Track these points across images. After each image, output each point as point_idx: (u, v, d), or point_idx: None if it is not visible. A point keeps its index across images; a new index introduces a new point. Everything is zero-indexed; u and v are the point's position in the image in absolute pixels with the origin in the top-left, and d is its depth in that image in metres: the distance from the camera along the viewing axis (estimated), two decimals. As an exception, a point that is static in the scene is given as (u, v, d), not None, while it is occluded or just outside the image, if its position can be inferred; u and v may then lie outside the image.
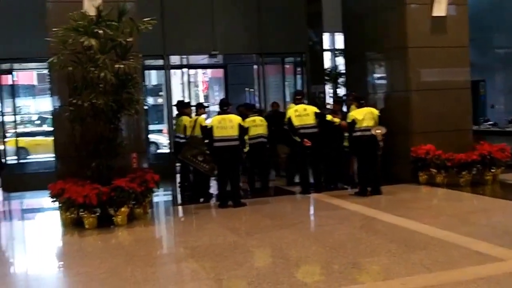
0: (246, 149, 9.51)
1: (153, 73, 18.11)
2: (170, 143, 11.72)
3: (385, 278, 5.41)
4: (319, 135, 9.95)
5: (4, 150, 13.46)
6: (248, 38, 14.08)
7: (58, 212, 8.61)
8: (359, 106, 9.80)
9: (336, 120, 10.22)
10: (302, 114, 9.96)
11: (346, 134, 9.92)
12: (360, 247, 6.54)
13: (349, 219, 8.05)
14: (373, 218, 7.97)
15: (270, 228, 7.77)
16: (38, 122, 19.33)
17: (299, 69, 15.51)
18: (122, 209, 8.06)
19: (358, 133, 9.56)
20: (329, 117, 10.28)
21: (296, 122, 9.92)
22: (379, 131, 9.52)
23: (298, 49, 14.67)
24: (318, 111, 10.19)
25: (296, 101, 10.35)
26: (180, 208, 10.10)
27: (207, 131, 9.46)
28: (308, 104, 11.06)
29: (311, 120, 9.95)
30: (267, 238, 7.18)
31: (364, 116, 9.56)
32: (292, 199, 10.18)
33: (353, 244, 6.70)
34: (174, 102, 12.72)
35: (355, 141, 9.67)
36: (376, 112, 9.75)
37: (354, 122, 9.56)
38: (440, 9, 10.79)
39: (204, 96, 23.11)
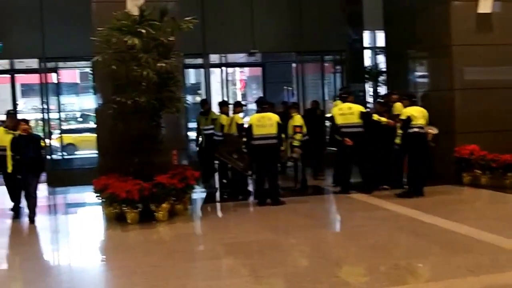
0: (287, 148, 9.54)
1: (191, 71, 18.27)
2: (197, 141, 11.75)
3: (428, 280, 5.34)
4: (364, 135, 9.74)
5: (50, 146, 13.77)
6: (287, 36, 14.03)
7: (101, 207, 8.78)
8: (411, 104, 9.63)
9: (383, 119, 10.03)
10: (346, 113, 9.81)
11: (400, 132, 9.52)
12: (401, 248, 6.46)
13: (390, 220, 7.94)
14: (415, 219, 7.84)
15: (309, 227, 7.75)
16: (81, 119, 19.76)
17: (338, 67, 15.40)
18: (163, 205, 8.17)
19: (415, 129, 9.33)
20: (375, 116, 10.05)
21: (339, 120, 9.79)
22: (431, 131, 9.41)
23: (338, 47, 14.55)
24: (364, 110, 10.01)
25: (342, 99, 10.25)
26: (219, 205, 10.17)
27: (245, 129, 9.49)
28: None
29: (355, 119, 9.75)
30: (305, 237, 7.17)
31: (417, 113, 9.42)
32: (331, 199, 10.13)
33: (394, 245, 6.62)
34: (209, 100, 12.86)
35: (410, 138, 9.37)
36: (426, 111, 9.57)
37: (409, 119, 9.34)
38: (485, 6, 10.56)
39: (242, 94, 23.19)
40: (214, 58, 14.69)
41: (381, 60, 16.28)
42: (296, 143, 9.83)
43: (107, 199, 8.32)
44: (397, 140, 9.56)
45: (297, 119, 10.12)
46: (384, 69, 14.79)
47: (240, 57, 15.64)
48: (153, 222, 8.14)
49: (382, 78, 15.79)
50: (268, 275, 5.59)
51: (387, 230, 7.37)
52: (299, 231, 7.46)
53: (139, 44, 8.05)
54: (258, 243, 7.02)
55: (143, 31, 8.14)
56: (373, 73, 16.25)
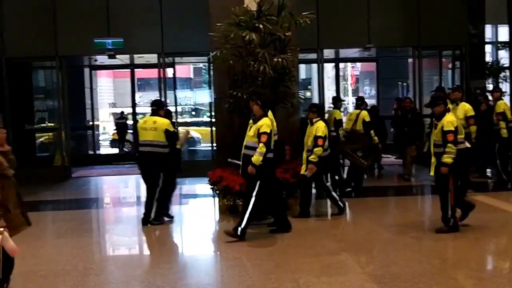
0: None
1: (301, 66, 18.28)
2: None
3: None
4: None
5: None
6: (404, 30, 13.66)
7: (215, 199, 9.03)
8: None
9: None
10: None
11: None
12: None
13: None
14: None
15: (426, 226, 7.50)
16: (194, 113, 20.43)
17: (457, 63, 14.75)
18: (276, 198, 8.24)
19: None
20: None
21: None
22: None
23: (457, 41, 13.93)
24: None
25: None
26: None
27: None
28: (465, 101, 10.44)
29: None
30: (421, 237, 6.95)
31: None
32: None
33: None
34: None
35: None
36: None
37: None
38: None
39: (353, 89, 22.90)
40: (326, 53, 14.59)
41: (504, 55, 15.39)
42: (313, 158, 7.95)
43: (221, 191, 8.55)
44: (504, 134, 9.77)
45: (321, 128, 8.06)
46: (507, 65, 13.96)
47: (354, 52, 15.42)
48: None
49: (503, 74, 14.95)
50: (382, 273, 5.49)
51: (510, 234, 6.97)
52: (415, 231, 7.24)
53: (256, 39, 8.17)
54: (371, 240, 6.92)
55: (261, 26, 8.25)
56: (494, 69, 15.39)
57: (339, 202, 8.28)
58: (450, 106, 8.67)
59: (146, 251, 7.32)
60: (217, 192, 8.72)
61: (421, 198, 9.67)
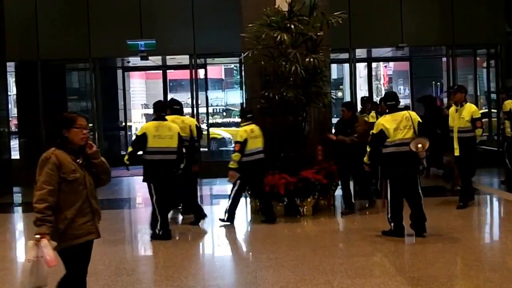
0: None
1: (333, 66, 18.15)
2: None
3: None
4: None
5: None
6: (438, 29, 13.45)
7: (246, 199, 9.02)
8: None
9: None
10: None
11: None
12: None
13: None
14: None
15: (465, 228, 7.41)
16: (225, 113, 20.46)
17: (492, 61, 14.44)
18: (308, 199, 8.20)
19: None
20: None
21: None
22: None
23: (493, 40, 13.65)
24: None
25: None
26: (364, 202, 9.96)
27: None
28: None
29: None
30: (460, 239, 6.81)
31: None
32: (487, 200, 9.51)
33: None
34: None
35: None
36: None
37: None
38: None
39: (385, 89, 22.61)
40: (359, 52, 14.46)
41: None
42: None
43: (253, 192, 8.53)
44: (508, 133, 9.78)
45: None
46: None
47: (386, 52, 15.24)
48: (298, 216, 8.22)
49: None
50: (419, 276, 5.39)
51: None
52: (453, 232, 7.10)
53: (288, 39, 8.14)
54: (408, 243, 6.79)
55: (292, 26, 8.21)
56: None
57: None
58: (453, 108, 8.52)
59: (178, 251, 7.32)
60: (249, 192, 8.71)
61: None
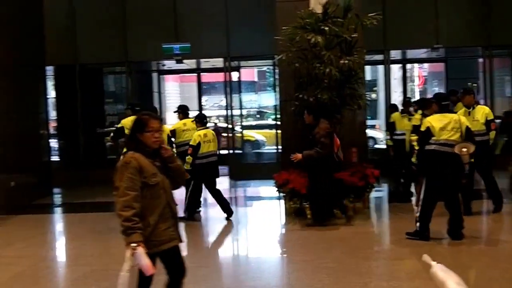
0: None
1: (367, 68, 17.98)
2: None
3: None
4: None
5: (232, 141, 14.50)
6: (473, 29, 13.23)
7: (281, 201, 9.05)
8: None
9: None
10: None
11: None
12: None
13: None
14: None
15: (501, 231, 7.25)
16: (258, 116, 20.52)
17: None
18: (344, 202, 8.18)
19: None
20: None
21: None
22: None
23: (531, 40, 13.37)
24: None
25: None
26: (399, 205, 9.86)
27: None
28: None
29: None
30: (497, 241, 6.71)
31: None
32: None
33: None
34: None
35: None
36: None
37: None
38: None
39: (420, 91, 22.32)
40: (393, 53, 14.36)
41: None
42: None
43: (288, 194, 8.55)
44: None
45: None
46: None
47: (421, 53, 15.08)
48: (332, 219, 8.20)
49: None
50: (455, 280, 5.33)
51: None
52: (488, 235, 7.01)
53: (322, 41, 8.13)
54: (442, 246, 6.73)
55: (326, 28, 8.21)
56: None
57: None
58: (462, 110, 8.18)
59: (213, 252, 7.41)
60: (283, 194, 8.74)
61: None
